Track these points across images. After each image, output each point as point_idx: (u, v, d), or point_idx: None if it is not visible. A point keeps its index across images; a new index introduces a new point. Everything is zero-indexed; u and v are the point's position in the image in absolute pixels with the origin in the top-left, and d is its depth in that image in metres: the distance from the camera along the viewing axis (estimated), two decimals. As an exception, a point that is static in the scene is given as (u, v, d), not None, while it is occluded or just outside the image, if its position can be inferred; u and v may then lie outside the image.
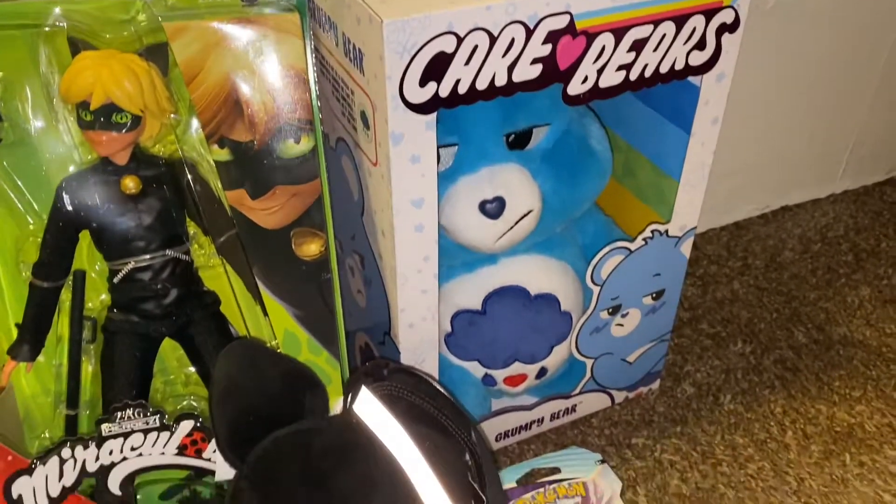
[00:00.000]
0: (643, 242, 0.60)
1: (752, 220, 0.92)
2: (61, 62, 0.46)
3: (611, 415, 0.70)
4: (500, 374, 0.63)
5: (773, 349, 0.76)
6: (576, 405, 0.68)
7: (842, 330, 0.78)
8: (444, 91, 0.45)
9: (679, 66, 0.51)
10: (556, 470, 0.65)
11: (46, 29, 0.46)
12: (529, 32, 0.45)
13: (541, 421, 0.67)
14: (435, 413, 0.50)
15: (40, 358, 0.52)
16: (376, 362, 0.51)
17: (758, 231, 0.90)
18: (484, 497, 0.49)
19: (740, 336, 0.77)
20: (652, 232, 0.60)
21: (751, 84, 0.80)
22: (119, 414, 0.48)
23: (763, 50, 0.79)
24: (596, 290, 0.61)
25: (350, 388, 0.48)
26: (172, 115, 0.48)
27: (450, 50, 0.44)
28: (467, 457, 0.50)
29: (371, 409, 0.46)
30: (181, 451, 0.49)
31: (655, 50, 0.50)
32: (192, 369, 0.54)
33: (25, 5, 0.45)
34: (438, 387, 0.51)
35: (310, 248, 0.49)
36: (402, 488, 0.43)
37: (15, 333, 0.50)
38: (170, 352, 0.54)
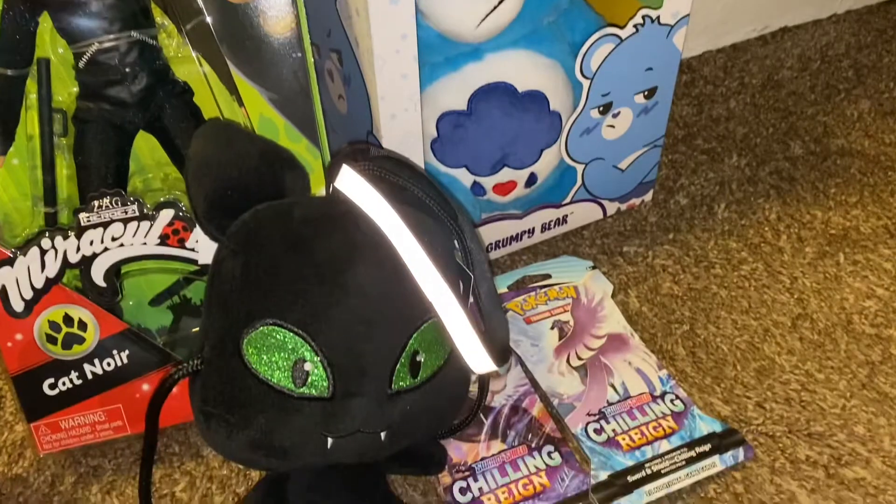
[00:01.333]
0: (634, 30, 0.57)
1: (750, 41, 0.89)
2: None
3: (602, 226, 0.69)
4: (488, 182, 0.62)
5: (768, 161, 0.74)
6: (567, 216, 0.67)
7: (839, 141, 0.77)
8: None
9: None
10: (547, 276, 0.64)
11: None
12: None
13: (532, 231, 0.67)
14: (420, 195, 0.49)
15: (15, 161, 0.50)
16: (359, 145, 0.50)
17: (755, 52, 0.87)
18: (472, 275, 0.48)
19: (735, 150, 0.76)
20: (643, 18, 0.57)
21: None
22: (96, 203, 0.47)
23: None
24: (586, 84, 0.59)
25: (332, 169, 0.47)
26: None
27: None
28: (454, 240, 0.50)
29: (354, 186, 0.45)
30: (163, 240, 0.49)
31: None
32: (170, 170, 0.53)
33: None
34: (423, 173, 0.50)
35: (279, 25, 0.47)
36: (386, 253, 0.42)
37: (-19, 127, 0.48)
38: (147, 152, 0.52)
